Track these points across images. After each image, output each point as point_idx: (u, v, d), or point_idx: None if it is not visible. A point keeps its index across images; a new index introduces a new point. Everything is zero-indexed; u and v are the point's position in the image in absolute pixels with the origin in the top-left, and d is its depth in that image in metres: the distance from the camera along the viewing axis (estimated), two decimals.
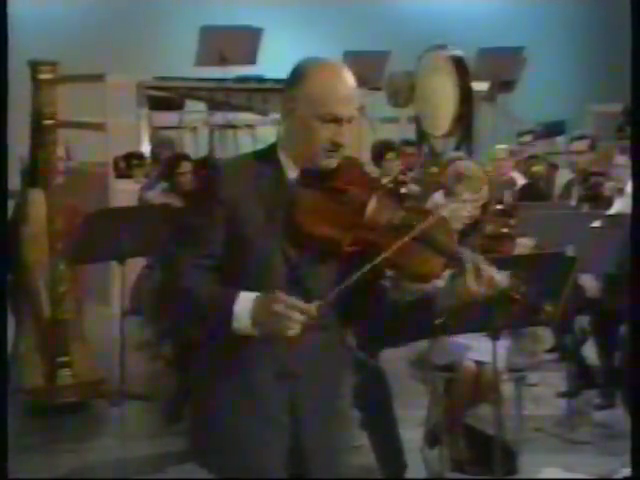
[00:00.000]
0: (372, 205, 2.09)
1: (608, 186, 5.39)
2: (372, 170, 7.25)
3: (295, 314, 1.94)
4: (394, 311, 2.20)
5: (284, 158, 2.15)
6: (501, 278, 2.08)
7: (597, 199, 5.28)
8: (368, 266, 1.99)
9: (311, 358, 2.13)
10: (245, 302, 1.99)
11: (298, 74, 2.13)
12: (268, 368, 2.11)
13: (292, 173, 2.14)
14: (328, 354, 2.18)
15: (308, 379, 2.14)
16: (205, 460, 2.21)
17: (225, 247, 2.09)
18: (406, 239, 2.02)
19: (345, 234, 2.06)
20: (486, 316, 3.27)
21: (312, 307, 1.95)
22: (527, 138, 7.92)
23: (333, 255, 2.08)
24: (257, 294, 2.00)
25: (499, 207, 4.17)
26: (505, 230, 4.08)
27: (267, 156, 2.16)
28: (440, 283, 2.14)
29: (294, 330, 1.94)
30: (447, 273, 2.12)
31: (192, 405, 2.26)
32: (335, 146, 2.09)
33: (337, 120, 2.08)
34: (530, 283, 2.12)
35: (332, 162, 2.11)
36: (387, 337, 2.41)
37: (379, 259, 1.99)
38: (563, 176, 7.11)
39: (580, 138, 6.62)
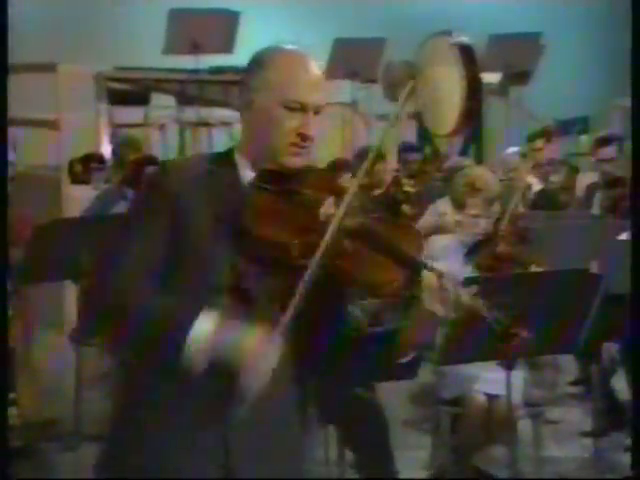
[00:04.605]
0: (327, 208, 2.07)
1: None
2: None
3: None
4: (350, 342, 2.18)
5: (240, 159, 2.16)
6: (469, 300, 2.05)
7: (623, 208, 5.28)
8: (316, 260, 1.97)
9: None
10: (204, 324, 1.96)
11: (256, 61, 2.14)
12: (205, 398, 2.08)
13: (248, 175, 2.14)
14: (277, 389, 2.08)
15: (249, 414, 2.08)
16: None
17: (169, 254, 2.07)
18: (326, 238, 1.99)
19: (294, 238, 2.04)
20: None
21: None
22: (539, 143, 7.84)
23: (283, 265, 2.04)
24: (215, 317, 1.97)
25: (514, 226, 4.17)
26: (516, 252, 4.09)
27: (222, 158, 2.18)
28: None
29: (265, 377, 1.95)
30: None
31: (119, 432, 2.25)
32: (302, 139, 2.08)
33: (304, 108, 2.08)
34: (503, 307, 2.09)
35: (298, 161, 2.10)
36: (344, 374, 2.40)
37: (317, 257, 1.98)
38: (585, 181, 7.13)
39: (605, 142, 6.61)
